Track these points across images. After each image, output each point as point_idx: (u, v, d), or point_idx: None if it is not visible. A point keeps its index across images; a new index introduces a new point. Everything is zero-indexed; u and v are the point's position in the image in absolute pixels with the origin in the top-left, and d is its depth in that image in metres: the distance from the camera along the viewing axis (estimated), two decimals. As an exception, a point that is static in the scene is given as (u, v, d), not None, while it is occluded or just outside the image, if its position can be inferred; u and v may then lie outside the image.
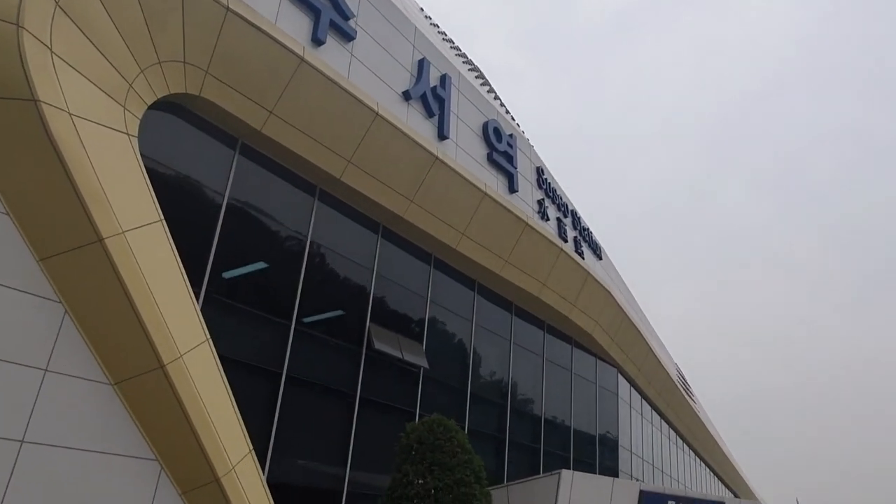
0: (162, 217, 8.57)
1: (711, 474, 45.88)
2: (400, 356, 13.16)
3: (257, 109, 10.39)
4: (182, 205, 9.83)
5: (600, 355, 22.08)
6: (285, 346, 11.01)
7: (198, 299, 9.32)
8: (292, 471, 11.00)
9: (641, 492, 12.43)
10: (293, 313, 11.27)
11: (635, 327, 22.58)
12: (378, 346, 12.60)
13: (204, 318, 8.81)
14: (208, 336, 8.76)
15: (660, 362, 26.13)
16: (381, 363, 13.04)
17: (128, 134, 8.70)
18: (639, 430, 25.44)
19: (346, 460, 11.65)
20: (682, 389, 31.42)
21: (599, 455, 20.86)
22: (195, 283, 9.40)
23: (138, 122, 8.88)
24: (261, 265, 11.65)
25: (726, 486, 52.23)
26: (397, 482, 7.73)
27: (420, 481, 7.40)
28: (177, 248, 8.55)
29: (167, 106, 9.76)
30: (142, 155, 8.74)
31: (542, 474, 11.23)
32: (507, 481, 13.92)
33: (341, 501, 11.19)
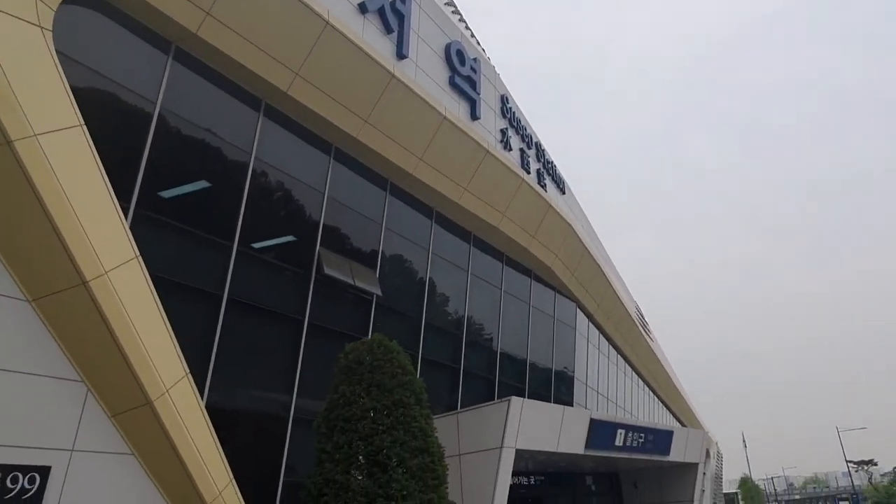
0: (82, 122, 7.83)
1: (665, 409, 47.56)
2: (351, 282, 12.78)
3: (192, 9, 9.51)
4: (106, 113, 9.04)
5: (559, 289, 22.08)
6: (227, 268, 10.49)
7: (126, 215, 8.69)
8: (235, 396, 10.69)
9: (592, 420, 12.53)
10: (235, 235, 10.71)
11: (596, 262, 22.57)
12: (328, 271, 12.17)
13: (136, 236, 8.22)
14: (138, 253, 8.19)
15: (618, 298, 26.37)
16: (332, 289, 12.65)
17: (40, 27, 7.83)
18: (595, 364, 25.85)
19: (292, 386, 11.37)
20: (639, 326, 31.98)
21: (555, 388, 21.13)
22: (123, 199, 8.77)
23: (52, 13, 7.99)
24: (202, 184, 10.99)
25: (678, 420, 54.38)
26: (334, 403, 7.45)
27: (361, 401, 7.10)
28: (101, 160, 7.86)
29: (89, 1, 8.84)
30: (59, 54, 7.91)
31: (492, 401, 11.16)
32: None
33: (287, 428, 10.97)
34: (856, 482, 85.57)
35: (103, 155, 7.93)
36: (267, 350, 11.45)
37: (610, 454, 13.22)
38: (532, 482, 16.37)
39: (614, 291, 25.43)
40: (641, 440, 14.24)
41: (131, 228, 8.35)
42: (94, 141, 7.87)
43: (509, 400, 10.66)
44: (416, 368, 14.71)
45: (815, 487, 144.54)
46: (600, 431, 12.74)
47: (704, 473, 16.90)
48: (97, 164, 7.89)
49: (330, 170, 12.94)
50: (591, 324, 25.47)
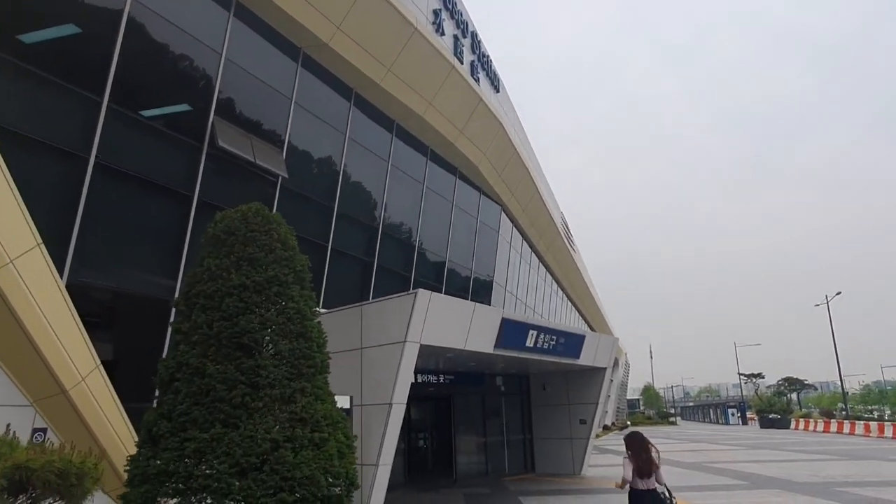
0: None
1: (581, 319, 49.21)
2: (252, 159, 11.44)
3: None
4: None
5: (485, 190, 21.32)
6: (94, 127, 8.95)
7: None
8: (105, 273, 9.45)
9: (503, 319, 12.11)
10: (105, 89, 9.09)
11: (524, 166, 21.81)
12: (223, 143, 10.77)
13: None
14: (40, 241, 6.94)
15: (544, 205, 25.98)
16: (229, 165, 11.29)
17: None
18: (516, 269, 25.71)
19: (178, 268, 10.21)
20: (563, 237, 32.03)
21: (473, 290, 20.81)
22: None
23: None
24: (69, 28, 9.20)
25: (593, 330, 56.66)
26: (196, 278, 6.37)
27: (228, 276, 6.07)
28: None
29: None
30: None
31: (398, 294, 10.41)
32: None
33: (170, 311, 9.89)
34: (745, 393, 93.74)
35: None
36: (147, 225, 10.14)
37: (520, 355, 12.95)
38: (441, 380, 16.18)
39: (540, 197, 24.95)
40: (553, 342, 14.08)
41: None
42: None
43: (416, 293, 9.95)
44: (325, 258, 13.80)
45: (707, 396, 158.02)
46: (511, 331, 12.36)
47: (612, 380, 17.09)
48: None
49: (229, 28, 11.23)
50: (514, 229, 25.07)
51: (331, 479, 5.83)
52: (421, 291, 10.11)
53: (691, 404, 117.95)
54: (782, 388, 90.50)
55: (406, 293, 10.25)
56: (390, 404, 9.97)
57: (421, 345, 10.19)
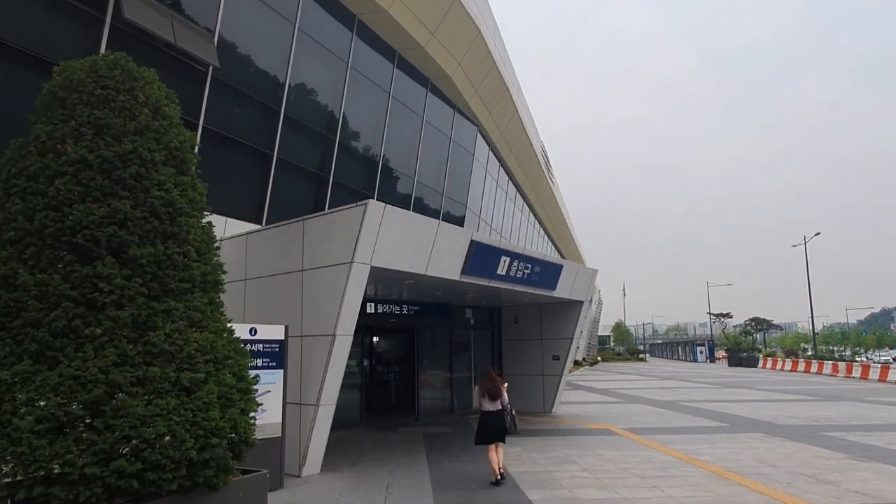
0: None
1: (557, 255, 48.14)
2: (172, 41, 9.39)
3: None
4: None
5: (460, 107, 19.35)
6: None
7: None
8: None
9: (472, 242, 10.54)
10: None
11: (503, 82, 19.78)
12: (130, 16, 8.70)
13: None
14: None
15: (524, 129, 24.08)
16: (141, 45, 9.24)
17: None
18: (491, 196, 24.03)
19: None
20: (543, 167, 30.28)
21: (444, 213, 19.13)
22: None
23: None
24: None
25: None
26: (19, 152, 4.44)
27: (63, 149, 4.22)
28: None
29: None
30: None
31: (345, 206, 8.70)
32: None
33: None
34: (713, 332, 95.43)
35: None
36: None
37: (491, 283, 11.46)
38: (405, 311, 14.76)
39: (520, 120, 23.03)
40: (528, 271, 12.62)
41: None
42: None
43: (366, 203, 8.25)
44: (270, 170, 11.95)
45: (676, 334, 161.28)
46: (481, 256, 10.82)
47: (586, 317, 15.82)
48: None
49: None
50: (491, 153, 23.24)
51: (205, 437, 4.23)
52: (372, 202, 8.41)
53: (660, 342, 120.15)
54: (749, 327, 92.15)
55: (354, 204, 8.55)
56: (334, 336, 8.44)
57: (372, 267, 8.58)
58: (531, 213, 33.93)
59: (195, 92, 10.28)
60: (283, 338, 8.29)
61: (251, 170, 11.64)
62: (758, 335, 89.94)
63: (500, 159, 24.44)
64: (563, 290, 14.51)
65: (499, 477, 8.21)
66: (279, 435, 8.07)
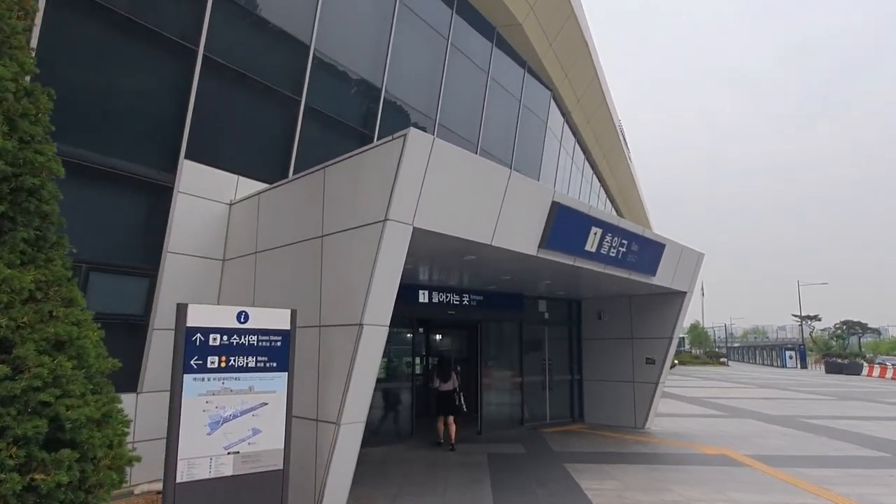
0: None
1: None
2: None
3: None
4: None
5: (531, 65, 16.53)
6: None
7: None
8: None
9: (557, 204, 7.84)
10: None
11: (582, 34, 16.82)
12: None
13: None
14: None
15: (605, 98, 20.98)
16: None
17: None
18: (566, 175, 21.04)
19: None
20: (623, 146, 26.98)
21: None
22: None
23: None
24: None
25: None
26: None
27: None
28: None
29: None
30: None
31: (376, 142, 6.18)
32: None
33: None
34: (797, 335, 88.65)
35: None
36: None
37: (576, 263, 8.72)
38: (466, 301, 12.20)
39: (600, 85, 19.96)
40: (623, 249, 9.79)
41: None
42: None
43: (405, 133, 5.66)
44: (295, 120, 9.59)
45: (755, 337, 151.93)
46: (566, 224, 8.10)
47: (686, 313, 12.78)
48: None
49: None
50: (566, 125, 20.29)
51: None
52: (414, 132, 5.82)
53: (737, 345, 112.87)
54: (839, 331, 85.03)
55: (390, 138, 5.99)
56: (360, 326, 5.90)
57: (415, 229, 6.01)
58: (607, 199, 30.62)
59: (193, 16, 8.01)
60: (287, 328, 5.81)
61: (272, 117, 9.29)
62: (850, 339, 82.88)
63: (575, 132, 21.44)
64: (663, 277, 11.54)
65: (447, 443, 10.55)
66: (280, 467, 5.61)
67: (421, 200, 6.02)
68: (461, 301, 12.22)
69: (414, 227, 6.00)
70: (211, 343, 5.28)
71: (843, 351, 65.24)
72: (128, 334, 7.51)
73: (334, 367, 6.19)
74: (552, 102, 18.27)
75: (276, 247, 7.45)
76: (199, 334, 5.22)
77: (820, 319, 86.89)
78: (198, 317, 5.24)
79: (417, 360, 12.93)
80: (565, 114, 19.70)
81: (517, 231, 7.48)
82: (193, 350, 5.17)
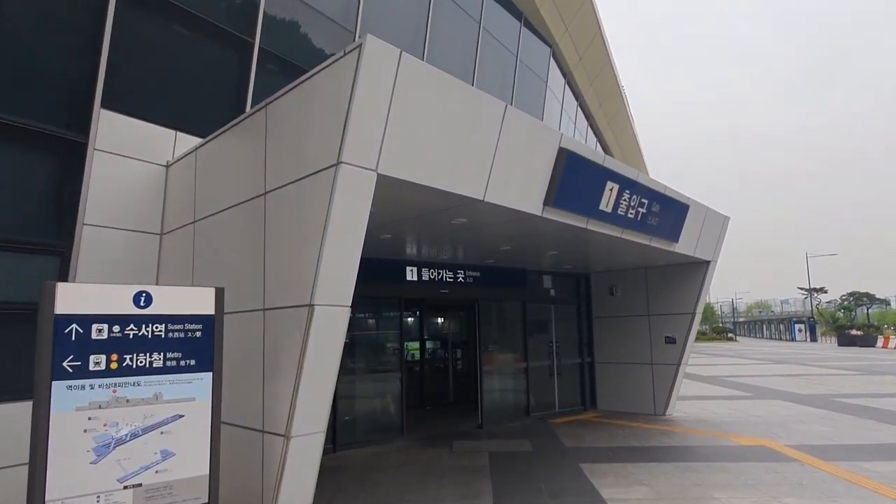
0: None
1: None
2: None
3: None
4: None
5: (529, 17, 14.89)
6: None
7: None
8: None
9: (565, 151, 6.32)
10: None
11: (585, -18, 15.15)
12: None
13: None
14: None
15: (609, 55, 19.31)
16: None
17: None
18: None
19: None
20: (628, 111, 25.32)
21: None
22: None
23: None
24: None
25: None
26: None
27: None
28: None
29: None
30: None
31: (326, 62, 4.67)
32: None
33: None
34: (803, 308, 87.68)
35: None
36: None
37: (589, 226, 7.22)
38: (461, 279, 10.74)
39: (604, 41, 18.29)
40: (643, 210, 8.27)
41: None
42: None
43: (360, 44, 4.15)
44: (248, 64, 8.04)
45: (760, 311, 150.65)
46: (577, 176, 6.57)
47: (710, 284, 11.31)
48: None
49: None
50: (567, 86, 18.64)
51: None
52: (372, 40, 4.30)
53: (742, 320, 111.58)
54: (847, 302, 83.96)
55: (342, 52, 4.45)
56: (311, 307, 4.42)
57: (381, 176, 4.51)
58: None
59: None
60: (211, 312, 4.33)
61: (220, 62, 7.74)
62: (857, 310, 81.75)
63: (577, 95, 19.79)
64: (686, 244, 10.04)
65: None
66: (204, 501, 4.15)
67: (387, 138, 4.50)
68: (455, 278, 10.74)
69: (379, 174, 4.49)
70: (94, 336, 3.80)
71: (849, 322, 64.05)
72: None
73: (282, 362, 4.72)
74: (552, 60, 16.62)
75: (215, 212, 5.95)
76: (74, 325, 3.74)
77: (826, 291, 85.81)
78: (72, 300, 3.76)
79: (408, 347, 11.49)
80: (566, 73, 18.06)
81: (516, 184, 5.96)
82: (66, 347, 3.70)
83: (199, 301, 4.30)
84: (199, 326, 4.25)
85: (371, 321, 10.44)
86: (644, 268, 12.17)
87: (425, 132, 4.83)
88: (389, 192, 4.99)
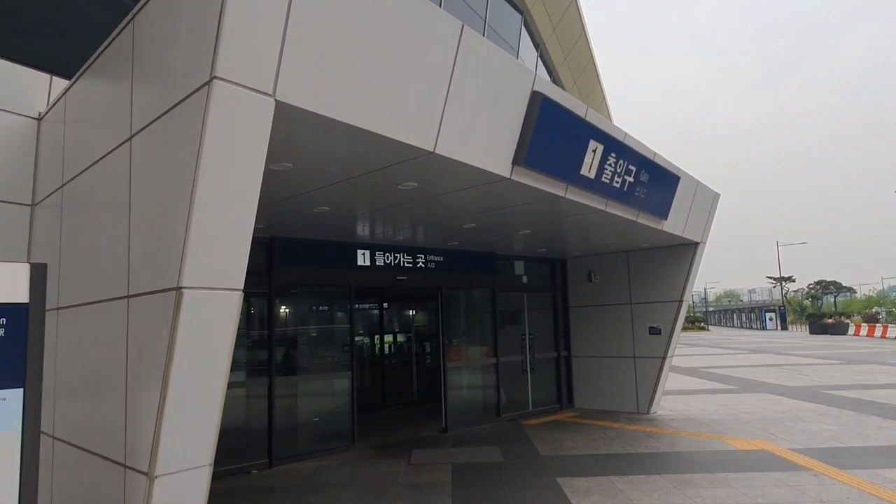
0: None
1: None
2: None
3: None
4: None
5: (497, -24, 13.58)
6: None
7: None
8: None
9: (539, 95, 5.03)
10: None
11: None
12: None
13: None
14: None
15: (584, 28, 18.09)
16: None
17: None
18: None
19: None
20: (603, 90, 24.14)
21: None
22: None
23: None
24: None
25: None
26: None
27: None
28: None
29: None
30: None
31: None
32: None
33: None
34: (769, 296, 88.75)
35: None
36: None
37: (567, 194, 5.97)
38: (421, 264, 9.44)
39: (579, 10, 17.05)
40: (630, 179, 7.03)
41: None
42: None
43: None
44: None
45: (729, 301, 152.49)
46: (554, 129, 5.30)
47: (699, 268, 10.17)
48: None
49: None
50: (540, 59, 17.38)
51: None
52: None
53: (712, 309, 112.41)
54: (814, 291, 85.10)
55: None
56: (178, 291, 3.06)
57: (281, 104, 3.18)
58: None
59: None
60: (24, 301, 2.93)
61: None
62: (825, 299, 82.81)
63: (550, 71, 18.53)
64: (675, 223, 8.87)
65: None
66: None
67: (289, 52, 3.15)
68: (415, 263, 9.43)
69: (279, 103, 3.14)
70: None
71: (817, 310, 64.54)
72: None
73: (144, 370, 3.36)
74: (523, 29, 15.33)
75: (82, 171, 4.53)
76: None
77: (794, 280, 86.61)
78: None
79: (360, 343, 10.13)
80: (539, 45, 16.79)
81: (478, 135, 4.66)
82: None
83: (6, 284, 2.90)
84: (1, 321, 2.86)
85: (315, 313, 9.05)
86: (626, 251, 11.00)
87: (348, 49, 3.48)
88: (305, 138, 3.65)
